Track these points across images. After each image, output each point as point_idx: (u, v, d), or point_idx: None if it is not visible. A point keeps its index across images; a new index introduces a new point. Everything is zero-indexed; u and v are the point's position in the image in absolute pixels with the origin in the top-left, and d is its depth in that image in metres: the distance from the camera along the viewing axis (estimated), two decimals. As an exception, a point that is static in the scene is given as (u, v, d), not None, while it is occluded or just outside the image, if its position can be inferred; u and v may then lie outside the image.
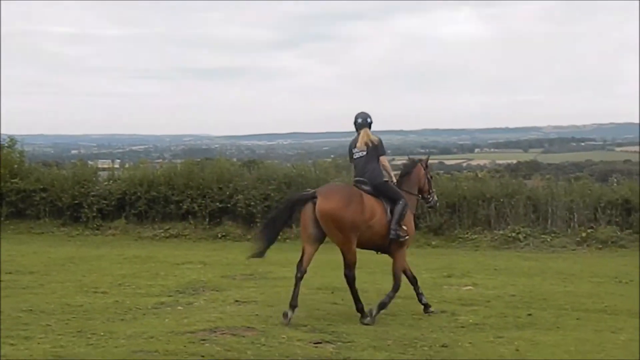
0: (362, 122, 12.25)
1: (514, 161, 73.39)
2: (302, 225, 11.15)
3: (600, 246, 22.24)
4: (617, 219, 23.05)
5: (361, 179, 11.79)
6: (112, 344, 8.66)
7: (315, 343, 9.07)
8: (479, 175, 29.79)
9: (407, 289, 13.30)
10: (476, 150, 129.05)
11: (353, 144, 12.19)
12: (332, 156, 72.07)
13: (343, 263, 11.28)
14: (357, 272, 14.01)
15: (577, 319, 11.03)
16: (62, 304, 11.37)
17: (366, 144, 12.00)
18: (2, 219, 28.28)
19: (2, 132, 32.96)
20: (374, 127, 12.20)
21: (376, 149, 11.99)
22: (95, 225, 27.27)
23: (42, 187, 28.35)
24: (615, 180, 27.44)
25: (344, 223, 10.82)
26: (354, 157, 12.15)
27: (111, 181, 28.63)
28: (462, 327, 10.33)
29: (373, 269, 16.09)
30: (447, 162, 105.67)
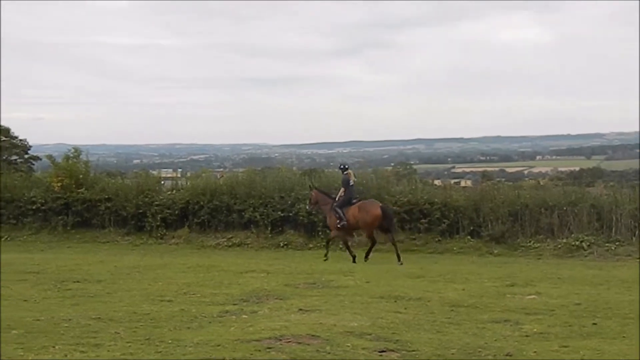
0: (347, 166, 23.43)
1: (577, 168, 72.49)
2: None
3: (667, 254, 21.94)
4: (684, 227, 22.74)
5: (357, 197, 22.87)
6: (180, 352, 8.77)
7: (380, 351, 9.08)
8: (541, 183, 29.58)
9: (470, 297, 13.29)
10: (537, 157, 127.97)
11: (348, 179, 22.62)
12: (391, 164, 72.02)
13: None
14: (419, 281, 14.18)
15: (643, 328, 10.89)
16: (130, 312, 11.53)
17: (354, 179, 23.12)
18: (68, 228, 28.77)
19: (66, 143, 33.78)
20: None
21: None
22: (159, 235, 27.62)
23: (107, 196, 28.81)
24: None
25: None
26: (350, 184, 22.65)
27: (174, 190, 28.97)
28: (527, 336, 10.26)
29: (435, 278, 16.13)
30: (508, 170, 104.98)
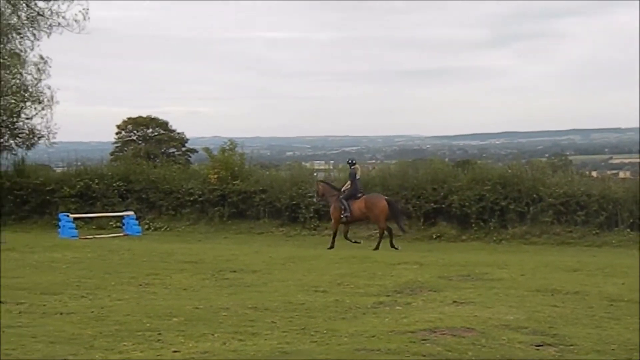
0: (354, 161, 25.14)
1: None
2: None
3: None
4: None
5: (362, 191, 24.27)
6: (335, 342, 8.84)
7: (536, 346, 8.92)
8: None
9: (630, 292, 12.89)
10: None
11: (355, 173, 24.23)
12: (546, 155, 70.57)
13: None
14: (576, 275, 13.86)
15: None
16: (285, 302, 11.69)
17: (360, 174, 24.89)
18: (224, 219, 29.44)
19: (222, 136, 34.85)
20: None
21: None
22: (312, 226, 27.94)
23: (261, 188, 29.35)
24: None
25: None
26: (357, 178, 24.16)
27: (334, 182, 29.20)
28: (692, 332, 9.88)
29: (593, 271, 15.73)
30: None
